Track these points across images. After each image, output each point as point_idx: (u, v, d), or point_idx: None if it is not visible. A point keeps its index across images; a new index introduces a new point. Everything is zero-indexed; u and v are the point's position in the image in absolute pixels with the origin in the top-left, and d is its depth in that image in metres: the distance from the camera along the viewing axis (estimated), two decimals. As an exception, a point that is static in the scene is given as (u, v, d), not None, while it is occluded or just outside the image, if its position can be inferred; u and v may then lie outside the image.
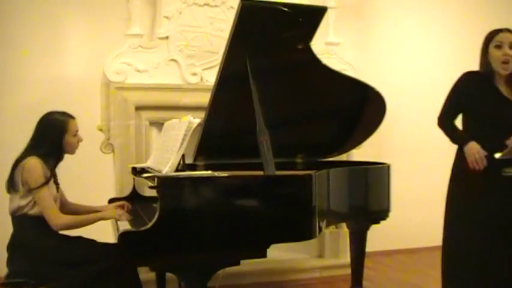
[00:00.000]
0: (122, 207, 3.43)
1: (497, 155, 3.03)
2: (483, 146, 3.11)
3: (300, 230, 2.75)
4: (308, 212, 2.76)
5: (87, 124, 4.76)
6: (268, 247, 2.68)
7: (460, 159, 3.29)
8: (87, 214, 3.32)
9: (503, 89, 3.24)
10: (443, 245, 3.38)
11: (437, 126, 3.37)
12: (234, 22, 2.91)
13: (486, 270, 3.17)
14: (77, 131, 3.31)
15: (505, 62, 3.17)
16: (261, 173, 2.86)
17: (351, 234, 3.98)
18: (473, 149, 3.09)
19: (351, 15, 5.92)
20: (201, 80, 4.92)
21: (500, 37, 3.19)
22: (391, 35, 6.21)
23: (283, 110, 3.44)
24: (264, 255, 2.69)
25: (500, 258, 3.16)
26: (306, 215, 2.76)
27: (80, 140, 3.35)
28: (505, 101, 3.21)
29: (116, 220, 3.27)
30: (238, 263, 2.69)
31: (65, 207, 3.40)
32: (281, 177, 2.84)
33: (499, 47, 3.18)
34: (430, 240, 5.76)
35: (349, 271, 4.17)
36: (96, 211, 3.38)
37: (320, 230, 2.92)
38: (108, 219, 3.35)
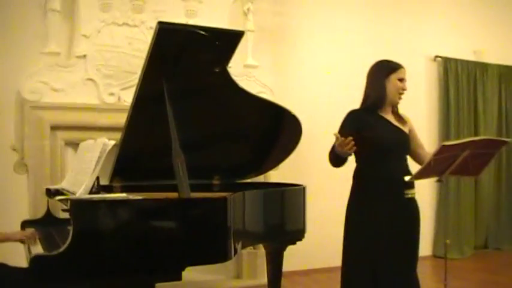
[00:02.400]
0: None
1: (406, 178, 3.19)
2: (381, 174, 3.30)
3: (215, 252, 2.76)
4: (223, 234, 2.77)
5: (0, 143, 4.66)
6: (183, 270, 2.67)
7: (357, 184, 3.46)
8: None
9: (390, 118, 3.44)
10: (344, 268, 3.50)
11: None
12: (151, 44, 2.90)
13: None
14: None
15: (402, 94, 3.42)
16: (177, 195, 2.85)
17: (267, 254, 4.00)
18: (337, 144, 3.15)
19: (269, 39, 6.03)
20: (119, 100, 4.88)
21: (402, 73, 3.41)
22: (309, 59, 6.36)
23: (200, 132, 3.43)
24: (179, 278, 2.68)
25: (399, 275, 3.31)
26: (220, 237, 2.76)
27: None
28: (396, 128, 3.41)
29: (25, 243, 3.17)
30: (153, 286, 2.67)
31: None
32: (196, 199, 2.82)
33: (401, 80, 3.40)
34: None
35: (267, 292, 4.19)
36: None
37: (236, 251, 2.93)
38: (10, 241, 3.18)
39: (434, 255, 7.09)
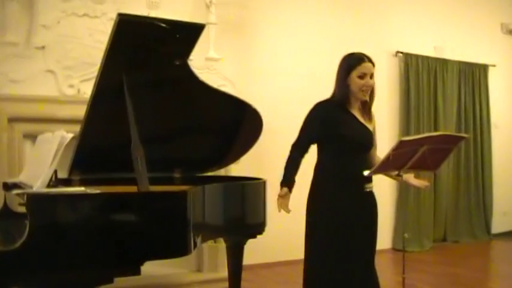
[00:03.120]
0: None
1: (365, 173, 3.21)
2: (345, 170, 3.32)
3: (175, 246, 2.76)
4: (182, 228, 2.77)
5: (-45, 136, 4.55)
6: (142, 264, 2.66)
7: (321, 177, 3.46)
8: None
9: (357, 114, 3.41)
10: (307, 261, 3.51)
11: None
12: (110, 35, 2.87)
13: (347, 280, 3.33)
14: None
15: (366, 91, 3.33)
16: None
17: (228, 248, 4.00)
18: (282, 195, 3.38)
19: (232, 32, 6.01)
20: (78, 92, 4.80)
21: (364, 68, 3.30)
22: (271, 52, 6.37)
23: (161, 125, 3.43)
24: (138, 273, 2.66)
25: (360, 267, 3.36)
26: (180, 231, 2.76)
27: None
28: (361, 126, 3.40)
29: None
30: (111, 281, 2.63)
31: None
32: (155, 193, 2.82)
33: (362, 77, 3.30)
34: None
35: (228, 285, 4.18)
36: None
37: (195, 245, 2.93)
38: None
39: (394, 248, 7.19)
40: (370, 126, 3.44)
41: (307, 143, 3.43)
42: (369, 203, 3.43)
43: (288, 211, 3.38)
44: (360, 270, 3.35)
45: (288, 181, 3.40)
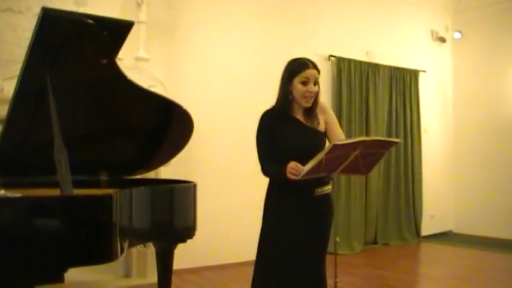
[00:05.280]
0: None
1: (293, 177, 3.14)
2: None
3: (100, 252, 2.65)
4: (108, 233, 2.67)
5: None
6: (65, 271, 2.54)
7: (271, 184, 3.41)
8: None
9: (301, 118, 3.36)
10: (255, 263, 3.43)
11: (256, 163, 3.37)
12: (34, 31, 2.73)
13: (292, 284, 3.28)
14: None
15: (309, 97, 3.27)
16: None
17: (157, 253, 3.91)
18: (289, 167, 3.12)
19: (163, 32, 5.93)
20: (2, 91, 4.61)
21: (307, 74, 3.24)
22: (202, 53, 6.32)
23: (87, 126, 3.33)
24: (62, 280, 2.54)
25: (305, 271, 3.31)
26: (105, 237, 2.66)
27: None
28: (306, 129, 3.34)
29: None
30: (32, 289, 2.52)
31: None
32: (78, 197, 2.70)
33: (305, 83, 3.25)
34: (237, 256, 5.91)
35: (157, 291, 4.10)
36: None
37: (122, 251, 2.83)
38: None
39: (325, 252, 7.24)
40: (319, 126, 3.37)
41: (268, 157, 3.33)
42: (319, 207, 3.35)
43: (301, 168, 3.06)
44: (305, 275, 3.30)
45: (278, 172, 3.17)
